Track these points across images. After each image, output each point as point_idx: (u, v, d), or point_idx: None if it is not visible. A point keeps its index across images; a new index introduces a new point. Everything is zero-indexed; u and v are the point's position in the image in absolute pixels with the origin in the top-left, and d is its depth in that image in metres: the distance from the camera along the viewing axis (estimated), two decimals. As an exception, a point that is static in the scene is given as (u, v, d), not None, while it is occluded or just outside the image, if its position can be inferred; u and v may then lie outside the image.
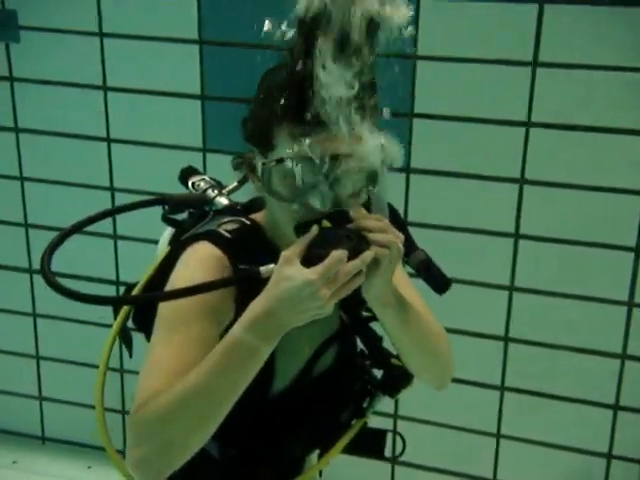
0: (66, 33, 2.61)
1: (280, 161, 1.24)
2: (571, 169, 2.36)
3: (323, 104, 1.19)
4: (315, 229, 1.21)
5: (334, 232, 1.21)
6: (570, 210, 2.39)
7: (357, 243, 1.20)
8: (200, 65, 2.54)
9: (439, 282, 1.41)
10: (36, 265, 2.89)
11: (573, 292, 2.46)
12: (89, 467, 2.99)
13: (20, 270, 2.94)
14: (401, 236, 1.25)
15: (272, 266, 1.21)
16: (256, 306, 1.19)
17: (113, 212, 1.60)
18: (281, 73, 1.27)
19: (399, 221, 1.42)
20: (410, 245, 1.42)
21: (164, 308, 1.31)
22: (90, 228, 2.52)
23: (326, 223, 1.22)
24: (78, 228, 1.42)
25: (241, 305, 1.27)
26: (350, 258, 1.17)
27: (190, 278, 1.27)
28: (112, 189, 2.74)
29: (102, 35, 2.58)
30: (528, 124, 2.34)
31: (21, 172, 2.82)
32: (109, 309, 1.57)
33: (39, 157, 2.80)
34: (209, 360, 1.20)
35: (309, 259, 1.17)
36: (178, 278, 1.32)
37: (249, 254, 1.29)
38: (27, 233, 2.88)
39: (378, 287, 1.27)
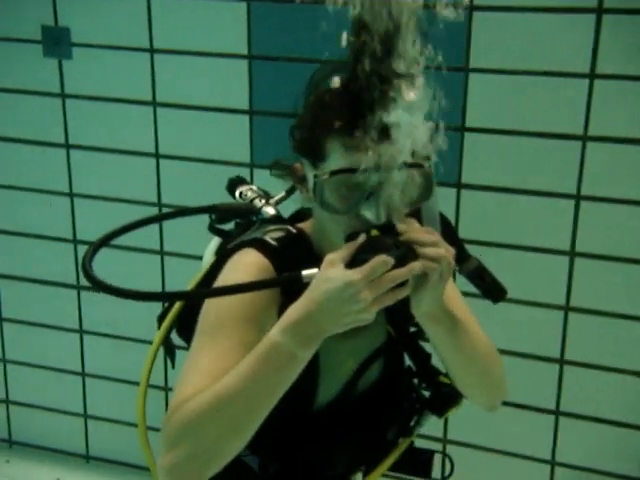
0: (117, 49, 2.63)
1: (335, 173, 1.20)
2: (629, 184, 2.28)
3: (378, 115, 1.16)
4: (362, 236, 1.17)
5: (382, 240, 1.17)
6: (629, 227, 2.31)
7: (405, 252, 1.15)
8: (249, 80, 2.53)
9: (493, 290, 1.36)
10: (84, 281, 2.90)
11: (632, 312, 2.37)
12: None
13: (68, 286, 2.95)
14: (452, 250, 1.20)
15: (315, 270, 1.17)
16: (295, 309, 1.16)
17: (160, 218, 1.59)
18: (330, 80, 1.24)
19: (450, 230, 1.38)
20: (462, 253, 1.37)
21: (205, 314, 1.29)
22: (137, 244, 2.54)
23: (375, 231, 1.19)
24: (125, 231, 1.42)
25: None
26: (397, 266, 1.12)
27: (234, 283, 1.24)
28: (160, 204, 2.74)
29: (152, 51, 2.60)
30: (585, 138, 2.27)
31: (71, 188, 2.84)
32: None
33: (89, 173, 2.82)
34: (245, 364, 1.16)
35: (353, 263, 1.13)
36: (222, 282, 1.30)
37: (294, 262, 1.25)
38: (75, 249, 2.90)
39: (427, 303, 1.22)
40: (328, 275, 1.13)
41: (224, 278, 1.31)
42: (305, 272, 1.18)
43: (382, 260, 1.11)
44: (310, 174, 1.26)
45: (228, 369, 1.18)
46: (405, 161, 1.20)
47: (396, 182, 1.20)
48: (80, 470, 3.12)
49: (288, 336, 1.14)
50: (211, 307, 1.28)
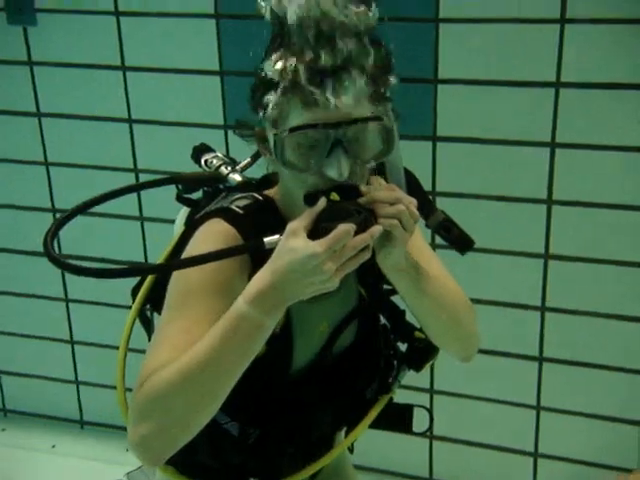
0: (82, 14, 2.58)
1: (294, 130, 1.19)
2: (605, 128, 2.28)
3: (336, 70, 1.16)
4: (323, 202, 1.17)
5: (343, 206, 1.17)
6: (606, 171, 2.31)
7: (366, 217, 1.16)
8: (217, 40, 2.49)
9: (460, 242, 1.38)
10: (66, 250, 2.90)
11: (611, 258, 2.38)
12: (127, 450, 2.99)
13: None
14: (414, 201, 1.21)
15: (277, 237, 1.17)
16: (259, 278, 1.16)
17: (124, 191, 1.56)
18: (287, 39, 1.22)
19: (416, 184, 1.39)
20: (428, 207, 1.38)
21: (172, 287, 1.28)
22: (116, 211, 2.53)
23: (335, 196, 1.18)
24: (89, 206, 1.39)
25: None
26: (358, 232, 1.13)
27: (201, 253, 1.23)
28: (136, 169, 2.72)
29: (118, 13, 2.55)
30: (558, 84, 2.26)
31: (46, 157, 2.82)
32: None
33: (62, 142, 2.78)
34: (212, 334, 1.17)
35: (316, 232, 1.13)
36: (189, 254, 1.29)
37: (261, 229, 1.24)
38: (55, 218, 2.87)
39: (395, 256, 1.24)
40: (291, 245, 1.13)
41: (191, 249, 1.30)
42: (267, 239, 1.18)
43: (345, 230, 1.11)
44: (271, 134, 1.25)
45: (196, 341, 1.18)
46: (363, 115, 1.20)
47: (356, 137, 1.20)
48: (75, 436, 3.15)
49: (253, 306, 1.14)
50: (178, 279, 1.28)
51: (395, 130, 1.25)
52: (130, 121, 2.67)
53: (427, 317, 1.41)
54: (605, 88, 2.22)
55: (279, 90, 1.21)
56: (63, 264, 1.22)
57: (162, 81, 2.59)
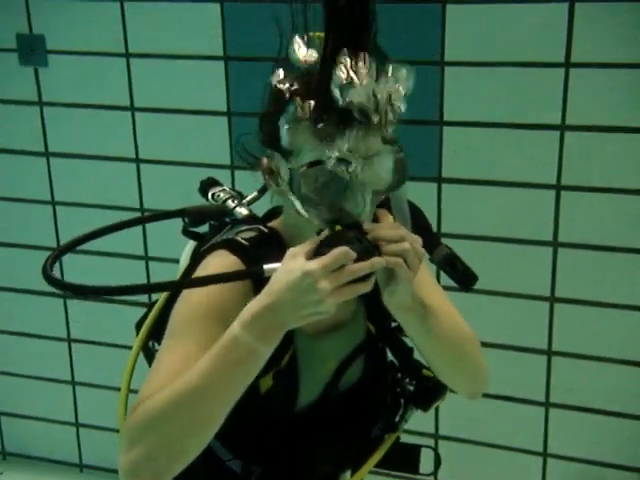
0: (93, 55, 2.62)
1: (313, 164, 1.18)
2: (609, 172, 2.29)
3: (350, 100, 1.15)
4: (326, 231, 1.17)
5: (345, 234, 1.16)
6: (610, 215, 2.31)
7: (367, 247, 1.14)
8: (226, 81, 2.52)
9: (464, 277, 1.36)
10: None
11: (617, 301, 2.36)
12: (126, 494, 2.95)
13: (54, 295, 2.94)
14: (419, 239, 1.20)
15: (277, 265, 1.16)
16: (255, 302, 1.14)
17: (132, 223, 1.56)
18: (297, 70, 1.23)
19: (420, 218, 1.38)
20: (433, 241, 1.37)
21: (172, 316, 1.27)
22: (120, 250, 2.51)
23: (339, 227, 1.18)
24: (96, 235, 1.41)
25: None
26: (359, 261, 1.11)
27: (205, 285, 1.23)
28: (142, 209, 2.72)
29: (128, 55, 2.59)
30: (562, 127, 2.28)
31: (53, 197, 2.83)
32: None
33: (70, 181, 2.80)
34: (205, 359, 1.14)
35: (315, 256, 1.12)
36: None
37: (266, 261, 1.23)
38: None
39: (401, 294, 1.22)
40: (288, 267, 1.12)
41: None
42: (267, 266, 1.17)
43: (342, 251, 1.10)
44: (283, 167, 1.24)
45: None
46: (380, 149, 1.19)
47: (373, 170, 1.19)
48: (74, 479, 3.10)
49: (247, 329, 1.12)
50: (178, 308, 1.27)
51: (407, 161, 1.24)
52: (137, 161, 2.69)
53: (434, 354, 1.38)
54: (610, 131, 2.23)
55: (293, 124, 1.20)
56: (62, 284, 1.21)
57: (170, 122, 2.61)
